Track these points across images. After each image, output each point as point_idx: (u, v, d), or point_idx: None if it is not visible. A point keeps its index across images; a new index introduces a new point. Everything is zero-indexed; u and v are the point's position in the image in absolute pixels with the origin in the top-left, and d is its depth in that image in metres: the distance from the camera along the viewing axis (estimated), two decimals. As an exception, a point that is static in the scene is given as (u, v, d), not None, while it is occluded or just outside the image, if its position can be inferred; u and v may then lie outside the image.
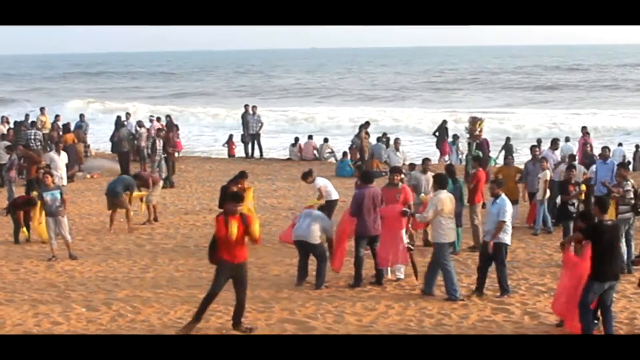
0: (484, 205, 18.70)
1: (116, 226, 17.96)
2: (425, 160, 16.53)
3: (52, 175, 15.77)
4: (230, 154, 30.73)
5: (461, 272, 13.29)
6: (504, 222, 11.64)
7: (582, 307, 9.49)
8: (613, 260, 9.48)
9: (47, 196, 14.91)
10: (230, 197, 10.66)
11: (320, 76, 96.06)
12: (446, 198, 11.88)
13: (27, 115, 30.26)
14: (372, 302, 11.74)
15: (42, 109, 31.26)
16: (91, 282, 13.30)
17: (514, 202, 16.86)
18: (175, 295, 12.37)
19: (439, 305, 11.52)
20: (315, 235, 12.63)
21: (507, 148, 24.75)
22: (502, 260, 11.77)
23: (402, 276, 12.81)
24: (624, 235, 10.04)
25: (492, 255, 11.73)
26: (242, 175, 16.09)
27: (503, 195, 12.01)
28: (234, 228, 9.99)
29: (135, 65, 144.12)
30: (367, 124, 27.44)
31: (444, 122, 29.24)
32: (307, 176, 15.76)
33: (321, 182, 15.68)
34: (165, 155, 24.23)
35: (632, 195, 13.12)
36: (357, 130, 27.69)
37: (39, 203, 15.66)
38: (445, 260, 11.80)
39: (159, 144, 24.17)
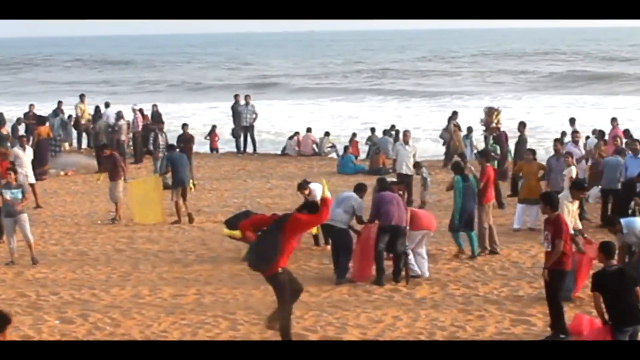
0: (501, 206, 18.75)
1: (93, 229, 17.92)
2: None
3: (16, 173, 15.66)
4: (213, 147, 30.64)
5: (477, 280, 13.28)
6: None
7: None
8: (623, 305, 9.26)
9: (7, 194, 14.75)
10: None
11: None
12: None
13: None
14: (378, 313, 11.72)
15: (81, 97, 31.07)
16: (65, 291, 13.26)
17: (536, 201, 16.80)
18: (158, 305, 12.34)
19: (452, 317, 11.50)
20: (339, 218, 13.38)
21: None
22: None
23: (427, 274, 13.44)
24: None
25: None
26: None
27: None
28: None
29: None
30: (455, 114, 26.72)
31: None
32: (303, 187, 15.69)
33: (319, 192, 15.64)
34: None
35: None
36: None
37: None
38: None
39: (162, 138, 23.85)
